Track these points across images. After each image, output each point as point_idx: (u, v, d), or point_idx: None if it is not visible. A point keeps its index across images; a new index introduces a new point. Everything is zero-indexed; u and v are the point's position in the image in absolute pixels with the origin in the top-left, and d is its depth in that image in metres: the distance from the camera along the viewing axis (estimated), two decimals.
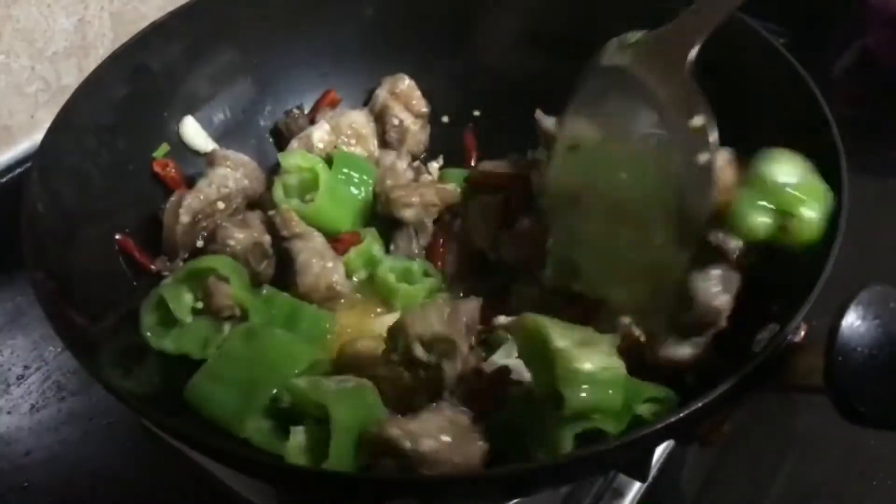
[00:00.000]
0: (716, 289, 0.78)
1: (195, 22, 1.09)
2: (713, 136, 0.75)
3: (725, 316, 0.78)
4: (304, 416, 0.80)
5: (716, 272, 0.78)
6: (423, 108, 1.20)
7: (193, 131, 1.10)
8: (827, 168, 0.80)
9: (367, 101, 1.21)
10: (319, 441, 0.78)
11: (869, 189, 1.29)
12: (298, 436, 0.79)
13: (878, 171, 1.34)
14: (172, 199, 1.02)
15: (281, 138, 1.18)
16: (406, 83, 1.19)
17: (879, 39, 1.48)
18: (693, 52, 0.79)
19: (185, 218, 1.00)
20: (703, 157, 0.74)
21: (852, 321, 0.61)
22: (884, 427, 0.62)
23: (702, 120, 0.75)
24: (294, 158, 1.06)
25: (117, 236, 0.98)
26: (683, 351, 0.79)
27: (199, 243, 1.02)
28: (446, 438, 0.73)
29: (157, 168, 1.05)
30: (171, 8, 1.07)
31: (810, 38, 1.52)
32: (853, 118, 1.44)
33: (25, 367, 1.12)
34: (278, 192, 1.04)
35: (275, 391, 0.83)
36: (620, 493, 0.89)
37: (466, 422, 0.76)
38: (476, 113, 1.24)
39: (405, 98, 1.18)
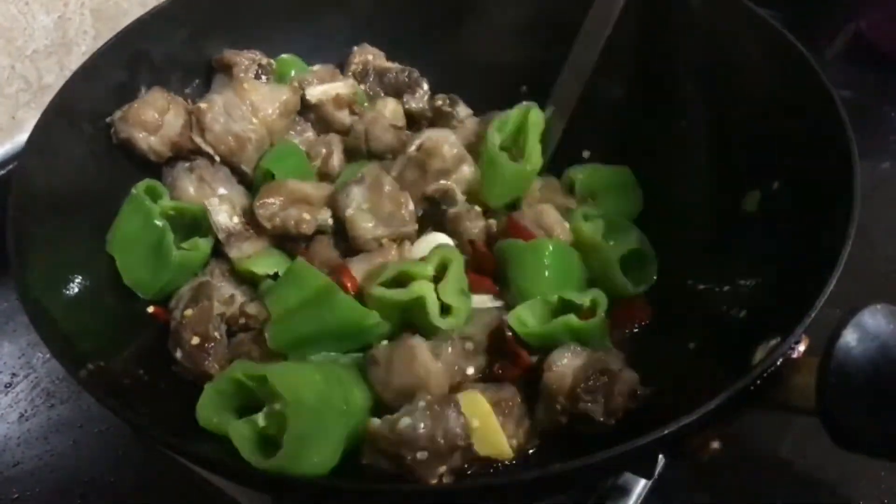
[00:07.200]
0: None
1: (194, 8, 1.07)
2: None
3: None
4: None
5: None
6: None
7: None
8: (839, 175, 0.81)
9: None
10: None
11: (865, 174, 1.28)
12: None
13: (872, 156, 1.33)
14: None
15: None
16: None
17: (872, 22, 1.47)
18: None
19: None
20: None
21: (849, 341, 0.56)
22: (878, 456, 0.56)
23: None
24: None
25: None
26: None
27: None
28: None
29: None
30: (152, 3, 1.04)
31: (803, 20, 1.50)
32: (846, 101, 1.42)
33: (13, 375, 1.09)
34: None
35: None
36: (627, 491, 0.88)
37: None
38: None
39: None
